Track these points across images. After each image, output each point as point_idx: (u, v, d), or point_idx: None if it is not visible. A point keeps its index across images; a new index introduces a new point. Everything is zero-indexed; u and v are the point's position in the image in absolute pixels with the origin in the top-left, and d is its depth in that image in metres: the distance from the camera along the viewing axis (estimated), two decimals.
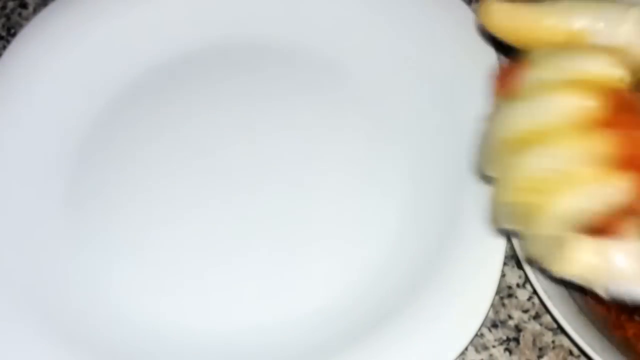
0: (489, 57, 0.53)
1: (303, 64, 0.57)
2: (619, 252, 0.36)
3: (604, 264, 0.36)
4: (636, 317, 0.44)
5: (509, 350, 0.47)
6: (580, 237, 0.37)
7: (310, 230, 0.51)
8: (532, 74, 0.39)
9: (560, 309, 0.41)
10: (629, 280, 0.36)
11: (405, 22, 0.56)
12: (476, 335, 0.46)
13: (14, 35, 0.60)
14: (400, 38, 0.56)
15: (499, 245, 0.46)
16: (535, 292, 0.46)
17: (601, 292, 0.37)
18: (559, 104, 0.37)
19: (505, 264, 0.48)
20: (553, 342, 0.47)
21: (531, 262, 0.42)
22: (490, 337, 0.47)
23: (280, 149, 0.54)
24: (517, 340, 0.47)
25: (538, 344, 0.47)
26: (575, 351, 0.46)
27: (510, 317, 0.48)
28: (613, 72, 0.37)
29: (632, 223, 0.37)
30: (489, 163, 0.41)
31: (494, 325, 0.48)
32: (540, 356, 0.47)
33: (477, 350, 0.47)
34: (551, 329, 0.47)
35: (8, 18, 0.62)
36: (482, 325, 0.46)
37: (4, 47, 0.58)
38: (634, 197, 0.36)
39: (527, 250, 0.39)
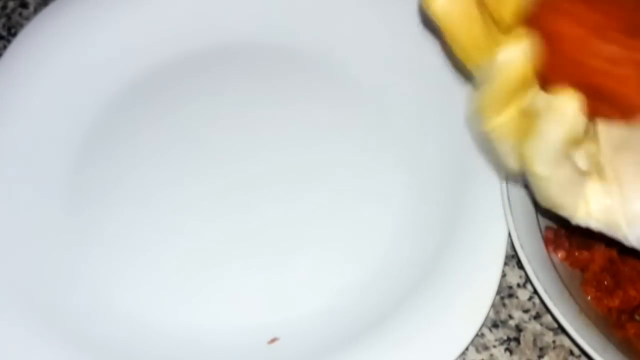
0: None
1: (303, 64, 0.57)
2: (636, 194, 0.36)
3: (621, 207, 0.36)
4: (637, 317, 0.44)
5: (509, 350, 0.47)
6: (590, 178, 0.36)
7: (310, 232, 0.51)
8: None
9: (561, 308, 0.41)
10: None
11: (405, 22, 0.56)
12: (477, 335, 0.46)
13: (14, 35, 0.60)
14: (401, 38, 0.56)
15: (500, 245, 0.46)
16: (535, 291, 0.46)
17: (622, 239, 0.37)
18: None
19: (505, 263, 0.48)
20: (554, 342, 0.47)
21: (550, 213, 0.41)
22: (490, 337, 0.47)
23: (280, 151, 0.54)
24: (517, 340, 0.47)
25: (539, 344, 0.47)
26: (576, 351, 0.46)
27: (510, 317, 0.48)
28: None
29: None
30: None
31: (495, 325, 0.48)
32: (540, 356, 0.47)
33: (477, 350, 0.47)
34: (552, 329, 0.47)
35: (9, 18, 0.62)
36: (483, 325, 0.46)
37: (5, 47, 0.58)
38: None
39: (542, 200, 0.38)
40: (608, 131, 0.37)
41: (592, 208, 0.37)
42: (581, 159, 0.37)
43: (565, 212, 0.38)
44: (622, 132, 0.37)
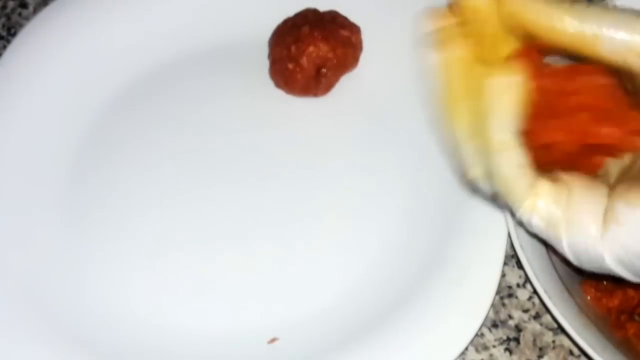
0: None
1: None
2: (583, 203, 0.36)
3: (566, 215, 0.36)
4: (636, 317, 0.44)
5: (509, 350, 0.47)
6: (540, 179, 0.37)
7: (310, 232, 0.51)
8: None
9: (561, 308, 0.41)
10: (589, 238, 0.35)
11: (405, 20, 0.56)
12: (476, 335, 0.46)
13: (14, 35, 0.60)
14: (400, 36, 0.56)
15: (500, 246, 0.46)
16: (535, 291, 0.46)
17: (561, 248, 0.36)
18: None
19: (505, 264, 0.48)
20: (553, 342, 0.47)
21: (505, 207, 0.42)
22: (490, 337, 0.47)
23: (281, 149, 0.54)
24: (517, 340, 0.47)
25: (538, 344, 0.47)
26: (576, 351, 0.46)
27: (510, 317, 0.48)
28: None
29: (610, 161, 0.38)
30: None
31: (494, 325, 0.48)
32: (540, 356, 0.47)
33: (477, 350, 0.47)
34: (551, 329, 0.47)
35: (8, 18, 0.62)
36: (483, 325, 0.46)
37: (4, 47, 0.58)
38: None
39: (494, 180, 0.38)
40: None
41: (539, 204, 0.36)
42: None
43: (512, 199, 0.37)
44: None
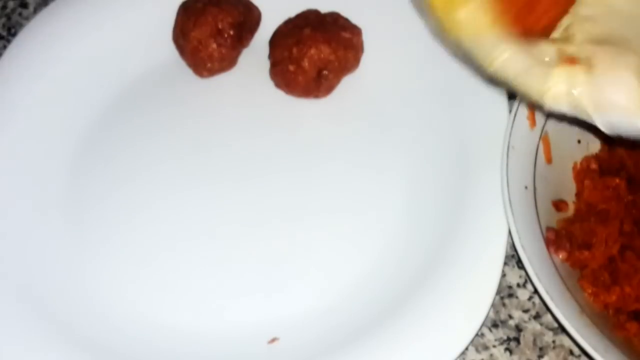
0: None
1: None
2: (611, 83, 0.37)
3: (589, 94, 0.38)
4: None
5: (509, 350, 0.47)
6: (557, 66, 0.39)
7: (310, 233, 0.51)
8: None
9: (563, 309, 0.41)
10: (628, 113, 0.37)
11: (406, 22, 0.56)
12: (476, 335, 0.46)
13: (14, 35, 0.60)
14: (401, 38, 0.56)
15: (500, 245, 0.47)
16: (536, 291, 0.46)
17: (600, 125, 0.38)
18: None
19: (505, 263, 0.49)
20: (554, 341, 0.47)
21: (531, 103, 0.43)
22: (490, 336, 0.48)
23: (281, 149, 0.54)
24: (517, 340, 0.47)
25: (538, 344, 0.47)
26: (576, 351, 0.46)
27: (510, 316, 0.48)
28: None
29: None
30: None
31: (495, 325, 0.48)
32: (540, 356, 0.47)
33: (477, 350, 0.47)
34: (552, 329, 0.47)
35: (8, 18, 0.62)
36: (483, 325, 0.46)
37: (4, 47, 0.58)
38: None
39: (509, 79, 0.41)
40: (589, 29, 0.40)
41: (557, 92, 0.39)
42: (548, 55, 0.39)
43: (533, 95, 0.40)
44: (603, 30, 0.40)
